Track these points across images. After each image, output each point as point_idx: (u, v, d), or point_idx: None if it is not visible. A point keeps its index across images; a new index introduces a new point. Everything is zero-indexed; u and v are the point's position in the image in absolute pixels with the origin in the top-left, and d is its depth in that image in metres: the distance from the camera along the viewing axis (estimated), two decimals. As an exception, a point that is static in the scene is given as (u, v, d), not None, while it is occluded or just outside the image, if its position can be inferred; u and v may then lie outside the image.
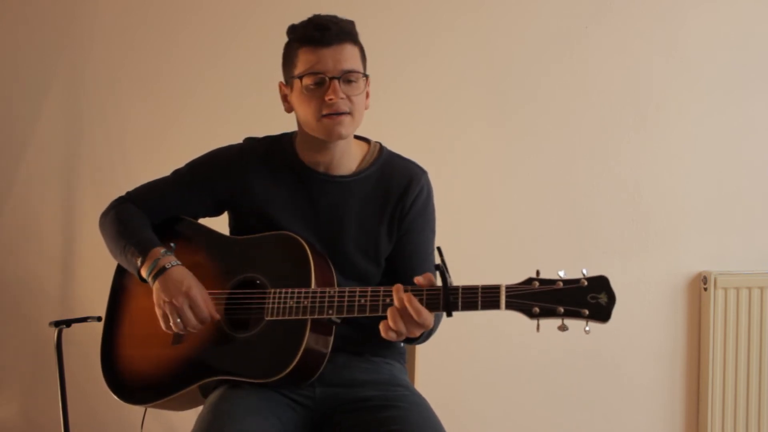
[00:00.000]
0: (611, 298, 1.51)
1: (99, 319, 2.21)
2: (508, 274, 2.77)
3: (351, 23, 1.77)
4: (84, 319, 2.30)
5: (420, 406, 1.77)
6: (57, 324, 2.25)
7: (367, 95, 1.81)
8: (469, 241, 2.82)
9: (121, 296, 1.94)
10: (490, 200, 2.86)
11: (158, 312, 1.76)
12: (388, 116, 2.73)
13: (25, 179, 2.93)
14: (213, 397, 1.75)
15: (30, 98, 2.91)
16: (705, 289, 2.80)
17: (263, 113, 2.74)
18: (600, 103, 2.84)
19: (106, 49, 2.88)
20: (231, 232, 1.92)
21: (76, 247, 2.90)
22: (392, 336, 1.60)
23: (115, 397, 1.86)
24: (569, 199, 2.85)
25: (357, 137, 1.89)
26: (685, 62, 2.84)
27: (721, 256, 2.85)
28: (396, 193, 1.84)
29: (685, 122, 2.85)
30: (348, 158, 1.84)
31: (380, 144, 1.91)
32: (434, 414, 1.77)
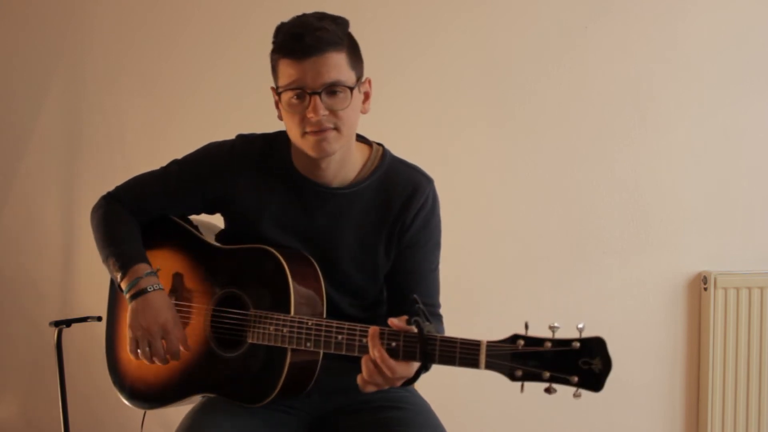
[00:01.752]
0: (606, 365, 1.32)
1: (99, 318, 2.22)
2: (507, 276, 2.80)
3: (337, 25, 1.61)
4: (84, 319, 2.30)
5: (421, 407, 1.76)
6: (57, 324, 2.25)
7: (367, 98, 1.70)
8: (469, 242, 2.82)
9: (118, 298, 1.90)
10: (490, 200, 2.86)
11: (128, 334, 1.70)
12: (386, 116, 2.73)
13: (25, 179, 2.93)
14: (201, 401, 1.75)
15: (30, 98, 2.91)
16: (705, 289, 2.80)
17: (263, 112, 2.73)
18: (600, 103, 2.84)
19: (106, 49, 2.88)
20: (225, 232, 1.87)
21: (76, 247, 2.90)
22: (371, 389, 1.51)
23: (122, 398, 1.86)
24: (569, 199, 2.85)
25: (359, 137, 1.78)
26: (684, 62, 2.83)
27: (721, 256, 2.84)
28: (397, 206, 1.72)
29: (685, 122, 2.85)
30: (347, 166, 1.72)
31: (383, 148, 1.79)
32: (435, 415, 1.76)
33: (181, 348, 1.71)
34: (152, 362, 1.72)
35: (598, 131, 2.84)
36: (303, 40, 1.56)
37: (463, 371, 2.79)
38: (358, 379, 1.51)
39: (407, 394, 1.80)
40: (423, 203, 1.74)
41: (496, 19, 2.83)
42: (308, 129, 1.60)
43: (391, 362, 1.47)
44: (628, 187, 2.85)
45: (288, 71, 1.59)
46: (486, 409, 2.87)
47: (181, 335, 1.71)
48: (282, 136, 1.77)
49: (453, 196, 2.71)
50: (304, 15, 1.63)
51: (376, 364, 1.48)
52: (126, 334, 1.85)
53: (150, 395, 1.83)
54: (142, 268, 1.72)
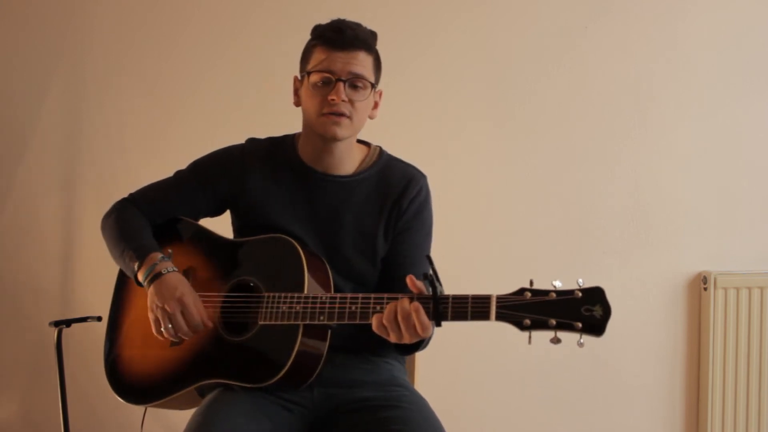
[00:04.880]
0: (606, 311, 1.45)
1: (99, 319, 2.22)
2: (507, 275, 2.79)
3: (371, 34, 1.81)
4: (84, 319, 2.30)
5: (420, 405, 1.77)
6: (57, 324, 2.25)
7: (376, 106, 1.85)
8: (468, 241, 2.82)
9: (123, 296, 1.94)
10: (490, 199, 2.86)
11: (150, 316, 1.77)
12: (387, 115, 2.72)
13: (25, 179, 2.93)
14: (207, 398, 1.76)
15: (30, 98, 2.91)
16: (705, 289, 2.80)
17: (263, 112, 2.75)
18: (600, 103, 2.84)
19: (106, 49, 2.88)
20: (234, 231, 1.93)
21: (76, 247, 2.90)
22: (382, 333, 1.59)
23: (116, 396, 1.86)
24: (569, 198, 2.85)
25: (358, 140, 1.90)
26: (684, 62, 2.84)
27: (721, 256, 2.85)
28: (394, 194, 1.85)
29: (685, 122, 2.85)
30: (348, 160, 1.85)
31: (380, 148, 1.92)
32: (434, 414, 1.77)
33: (201, 320, 1.75)
34: (176, 339, 1.77)
35: (598, 131, 2.84)
36: (343, 33, 1.75)
37: (463, 366, 2.81)
38: (375, 319, 1.59)
39: (407, 393, 1.81)
40: (417, 192, 1.86)
41: (497, 19, 2.83)
42: (326, 110, 1.76)
43: (425, 317, 1.55)
44: (628, 187, 2.85)
45: (321, 57, 1.77)
46: (486, 409, 2.87)
47: (199, 308, 1.76)
48: (288, 137, 1.92)
49: (453, 195, 2.72)
50: (340, 19, 1.81)
51: (407, 315, 1.54)
52: (130, 334, 1.90)
53: (152, 388, 1.84)
54: (157, 255, 1.80)
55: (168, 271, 1.77)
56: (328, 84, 1.75)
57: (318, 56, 1.77)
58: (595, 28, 2.83)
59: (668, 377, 2.87)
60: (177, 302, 1.73)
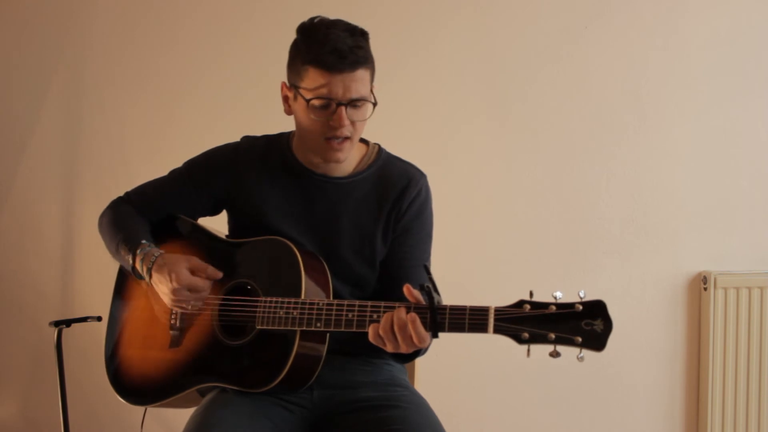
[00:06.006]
0: (607, 326, 1.42)
1: (99, 319, 2.22)
2: (506, 275, 2.80)
3: (366, 41, 1.70)
4: (84, 319, 2.30)
5: (420, 405, 1.77)
6: (57, 324, 2.25)
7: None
8: (468, 241, 2.82)
9: (123, 296, 1.93)
10: (489, 199, 2.86)
11: (165, 293, 1.74)
12: (386, 113, 2.72)
13: (25, 179, 2.93)
14: (206, 400, 1.76)
15: (30, 98, 2.91)
16: (705, 289, 2.80)
17: (262, 111, 2.74)
18: (600, 103, 2.84)
19: (105, 49, 2.88)
20: (230, 231, 1.92)
21: (76, 247, 2.90)
22: (379, 343, 1.57)
23: (118, 397, 1.86)
24: (569, 198, 2.85)
25: None
26: (684, 61, 2.84)
27: (721, 256, 2.85)
28: (393, 195, 1.81)
29: (685, 122, 2.85)
30: (346, 161, 1.81)
31: (379, 146, 1.88)
32: (434, 414, 1.76)
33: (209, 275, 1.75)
34: (199, 304, 1.75)
35: (598, 131, 2.84)
36: (343, 59, 1.64)
37: (464, 367, 2.81)
38: (371, 329, 1.56)
39: (406, 393, 1.81)
40: (417, 193, 1.82)
41: (497, 18, 2.83)
42: (329, 135, 1.70)
43: (422, 329, 1.52)
44: (627, 187, 2.85)
45: (319, 80, 1.66)
46: (486, 409, 2.87)
47: (197, 266, 1.75)
48: (284, 136, 1.88)
49: (452, 195, 2.72)
50: (333, 26, 1.68)
51: (404, 326, 1.52)
52: (130, 334, 1.89)
53: (152, 389, 1.83)
54: (146, 244, 1.79)
55: (155, 258, 1.75)
56: (327, 107, 1.68)
57: (315, 78, 1.66)
58: (594, 27, 2.83)
59: (668, 377, 2.87)
60: (185, 263, 1.73)
